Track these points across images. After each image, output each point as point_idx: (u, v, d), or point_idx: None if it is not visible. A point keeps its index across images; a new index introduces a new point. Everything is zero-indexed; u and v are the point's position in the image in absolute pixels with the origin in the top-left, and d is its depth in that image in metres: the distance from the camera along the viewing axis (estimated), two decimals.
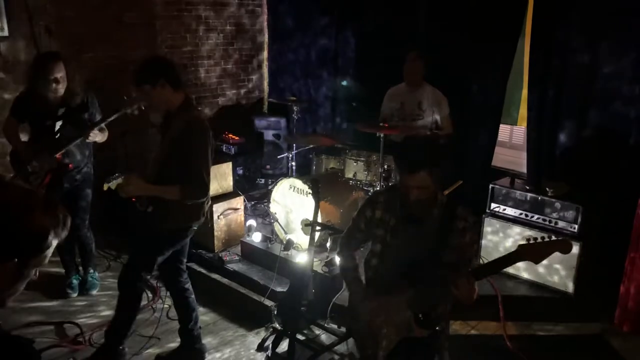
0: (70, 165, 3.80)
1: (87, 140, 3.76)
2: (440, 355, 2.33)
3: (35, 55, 3.90)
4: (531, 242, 2.10)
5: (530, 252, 2.10)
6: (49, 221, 1.28)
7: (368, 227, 2.40)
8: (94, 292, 4.25)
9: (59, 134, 3.77)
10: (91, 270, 4.33)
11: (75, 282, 4.26)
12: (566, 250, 2.09)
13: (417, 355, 2.24)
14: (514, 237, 4.26)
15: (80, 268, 4.34)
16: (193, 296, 3.43)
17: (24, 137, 3.95)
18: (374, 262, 2.40)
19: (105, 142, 3.95)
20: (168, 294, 3.97)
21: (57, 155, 3.71)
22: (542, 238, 2.11)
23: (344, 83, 5.96)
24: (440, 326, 2.27)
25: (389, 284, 2.27)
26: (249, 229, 4.54)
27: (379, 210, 2.35)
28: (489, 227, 4.39)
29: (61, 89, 3.69)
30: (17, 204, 1.25)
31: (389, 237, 2.31)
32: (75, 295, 4.19)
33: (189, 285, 3.41)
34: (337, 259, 2.49)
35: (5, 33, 4.65)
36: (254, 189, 5.92)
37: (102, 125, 3.80)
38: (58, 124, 3.76)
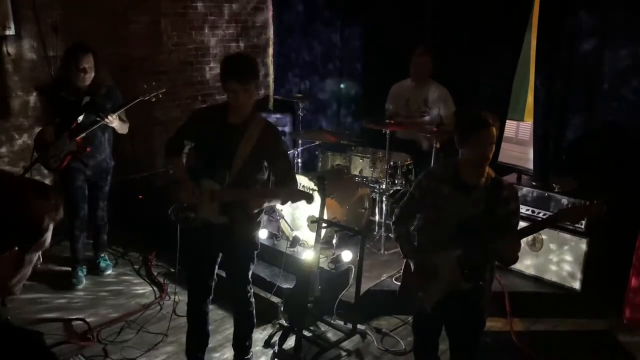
0: (88, 149, 3.97)
1: (106, 122, 3.90)
2: (482, 306, 2.66)
3: (66, 47, 4.12)
4: (569, 206, 2.56)
5: (570, 214, 2.55)
6: (41, 206, 1.28)
7: (423, 196, 2.67)
8: (108, 272, 4.46)
9: (80, 120, 3.93)
10: (102, 254, 4.50)
11: (80, 273, 4.30)
12: (600, 212, 2.38)
13: (462, 304, 2.59)
14: None
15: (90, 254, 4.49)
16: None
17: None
18: (427, 227, 2.69)
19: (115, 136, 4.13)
20: (176, 291, 4.02)
21: (77, 139, 3.90)
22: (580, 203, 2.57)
23: (343, 85, 5.99)
24: (483, 281, 2.61)
25: (440, 245, 2.58)
26: None
27: (434, 181, 2.64)
28: None
29: (88, 78, 3.91)
30: (6, 193, 1.25)
31: (441, 205, 2.59)
32: (80, 286, 4.23)
33: (252, 295, 3.29)
34: (392, 227, 2.84)
35: (12, 32, 4.67)
36: None
37: (122, 112, 4.00)
38: (81, 114, 3.93)
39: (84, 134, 3.91)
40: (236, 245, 3.05)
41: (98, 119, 3.88)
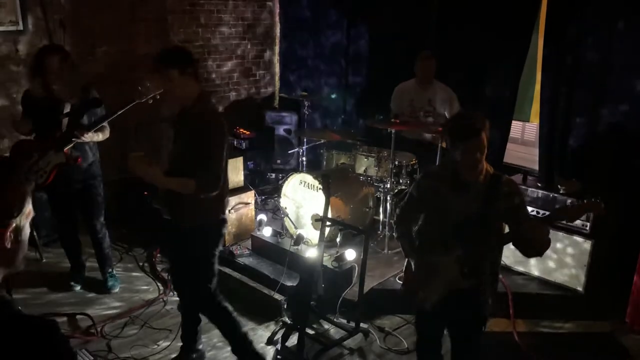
0: (79, 159, 3.72)
1: (81, 140, 3.64)
2: (482, 304, 2.62)
3: (35, 51, 3.86)
4: (568, 205, 2.73)
5: (566, 211, 2.56)
6: (16, 181, 1.32)
7: (422, 196, 2.68)
8: (116, 290, 4.19)
9: (64, 130, 3.65)
10: (109, 270, 4.25)
11: (78, 275, 4.26)
12: (597, 209, 2.41)
13: (462, 302, 2.58)
14: None
15: (83, 268, 4.33)
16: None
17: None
18: (426, 227, 2.69)
19: (110, 137, 3.90)
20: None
21: (65, 150, 3.63)
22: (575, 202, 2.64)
23: (333, 96, 6.00)
24: (484, 279, 2.59)
25: (440, 244, 2.58)
26: (260, 224, 4.56)
27: (432, 180, 2.65)
28: None
29: (59, 82, 3.61)
30: None
31: (440, 204, 2.59)
32: (78, 288, 4.20)
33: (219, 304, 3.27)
34: (394, 227, 2.87)
35: (20, 27, 4.70)
36: (265, 183, 5.94)
37: (105, 123, 3.74)
38: (64, 121, 3.66)
39: (71, 145, 3.62)
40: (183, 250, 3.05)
41: (73, 138, 3.59)
